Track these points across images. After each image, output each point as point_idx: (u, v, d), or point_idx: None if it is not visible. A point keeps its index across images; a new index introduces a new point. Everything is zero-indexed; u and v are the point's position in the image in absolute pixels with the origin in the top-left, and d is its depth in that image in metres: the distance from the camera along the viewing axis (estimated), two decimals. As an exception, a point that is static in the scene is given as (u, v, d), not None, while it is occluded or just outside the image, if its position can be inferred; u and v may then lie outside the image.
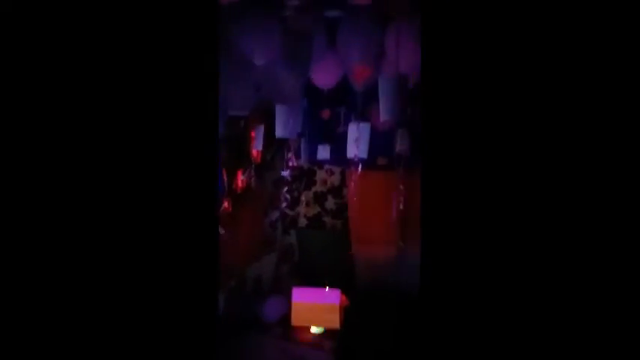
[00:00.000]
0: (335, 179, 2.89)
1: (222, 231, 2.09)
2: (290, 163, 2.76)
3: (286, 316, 2.24)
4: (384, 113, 2.01)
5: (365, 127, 2.22)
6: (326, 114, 2.58)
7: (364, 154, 2.26)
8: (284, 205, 2.91)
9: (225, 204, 2.37)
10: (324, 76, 2.09)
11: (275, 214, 2.94)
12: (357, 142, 2.22)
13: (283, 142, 2.83)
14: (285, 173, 2.76)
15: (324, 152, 2.64)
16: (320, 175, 2.95)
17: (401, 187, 2.25)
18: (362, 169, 2.41)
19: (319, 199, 2.97)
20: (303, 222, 2.95)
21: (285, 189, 2.89)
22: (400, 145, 2.23)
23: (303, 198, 2.93)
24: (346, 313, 2.23)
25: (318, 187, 2.96)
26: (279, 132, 2.30)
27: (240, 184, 2.53)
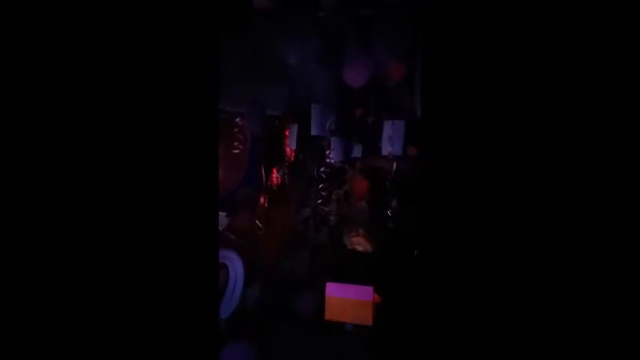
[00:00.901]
0: (366, 178, 2.91)
1: (260, 225, 2.16)
2: (327, 160, 2.79)
3: (319, 310, 2.27)
4: (420, 109, 2.01)
5: (399, 125, 2.23)
6: (358, 112, 2.61)
7: (399, 151, 2.27)
8: (319, 202, 2.94)
9: (262, 200, 2.43)
10: (356, 75, 2.11)
11: (307, 212, 2.98)
12: (391, 139, 2.23)
13: (314, 141, 2.87)
14: (323, 170, 2.80)
15: (357, 151, 2.66)
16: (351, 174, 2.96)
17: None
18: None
19: (349, 198, 2.99)
20: (333, 220, 2.98)
21: (321, 186, 2.93)
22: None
23: (334, 197, 2.96)
24: (378, 309, 2.24)
25: (348, 187, 2.98)
26: (315, 130, 2.33)
27: (275, 181, 2.58)
